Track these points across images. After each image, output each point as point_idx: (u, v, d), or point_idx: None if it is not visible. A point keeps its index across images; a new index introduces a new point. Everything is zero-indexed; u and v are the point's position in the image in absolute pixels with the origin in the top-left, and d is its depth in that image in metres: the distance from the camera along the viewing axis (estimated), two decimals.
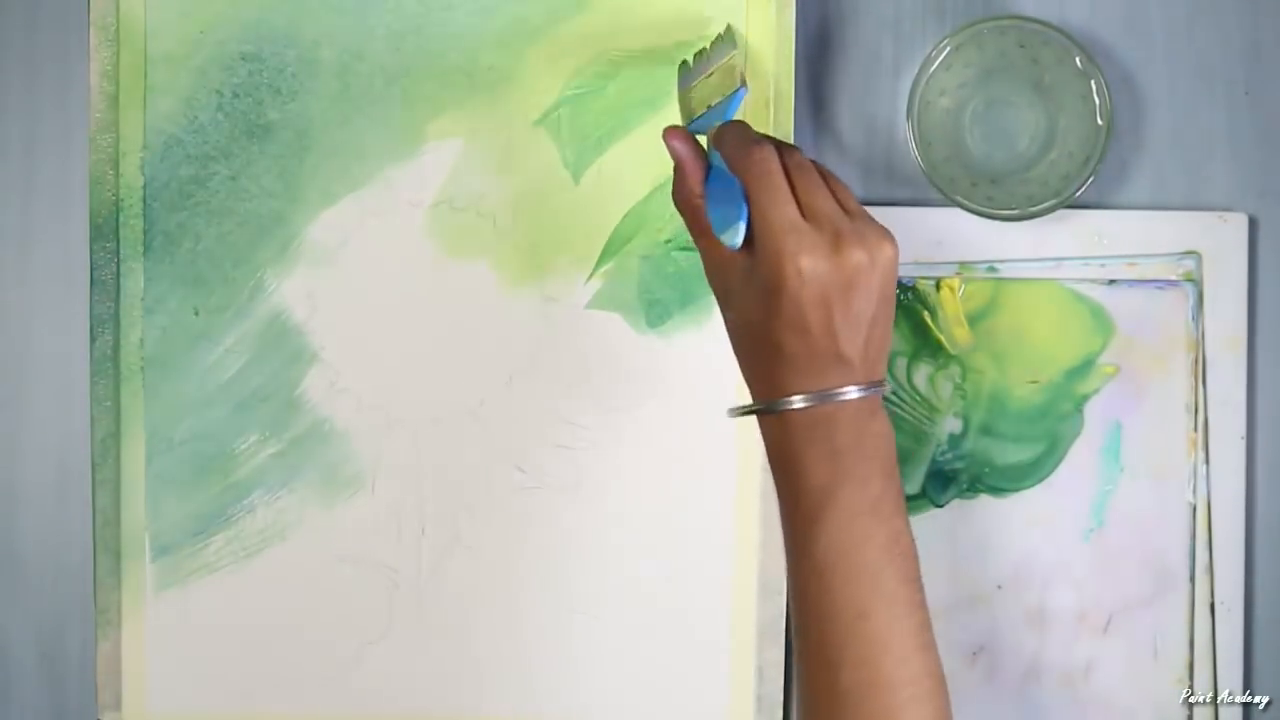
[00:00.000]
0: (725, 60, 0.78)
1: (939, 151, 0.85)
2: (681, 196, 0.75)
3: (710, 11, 0.85)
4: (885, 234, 0.71)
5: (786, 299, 0.70)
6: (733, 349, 0.74)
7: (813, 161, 0.73)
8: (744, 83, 0.76)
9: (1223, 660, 0.87)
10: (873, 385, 0.71)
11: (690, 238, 0.75)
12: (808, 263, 0.70)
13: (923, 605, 0.72)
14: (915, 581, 0.72)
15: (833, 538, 0.70)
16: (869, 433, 0.71)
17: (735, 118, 0.75)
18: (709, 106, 0.77)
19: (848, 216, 0.71)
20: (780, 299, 0.70)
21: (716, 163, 0.73)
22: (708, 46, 0.80)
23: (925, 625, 0.71)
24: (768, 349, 0.71)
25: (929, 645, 0.71)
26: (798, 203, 0.71)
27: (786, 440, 0.71)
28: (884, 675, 0.69)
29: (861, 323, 0.71)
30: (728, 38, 0.79)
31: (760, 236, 0.71)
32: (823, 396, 0.71)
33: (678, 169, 0.75)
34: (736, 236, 0.71)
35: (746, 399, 0.73)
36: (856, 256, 0.70)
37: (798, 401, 0.71)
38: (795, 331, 0.70)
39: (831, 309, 0.70)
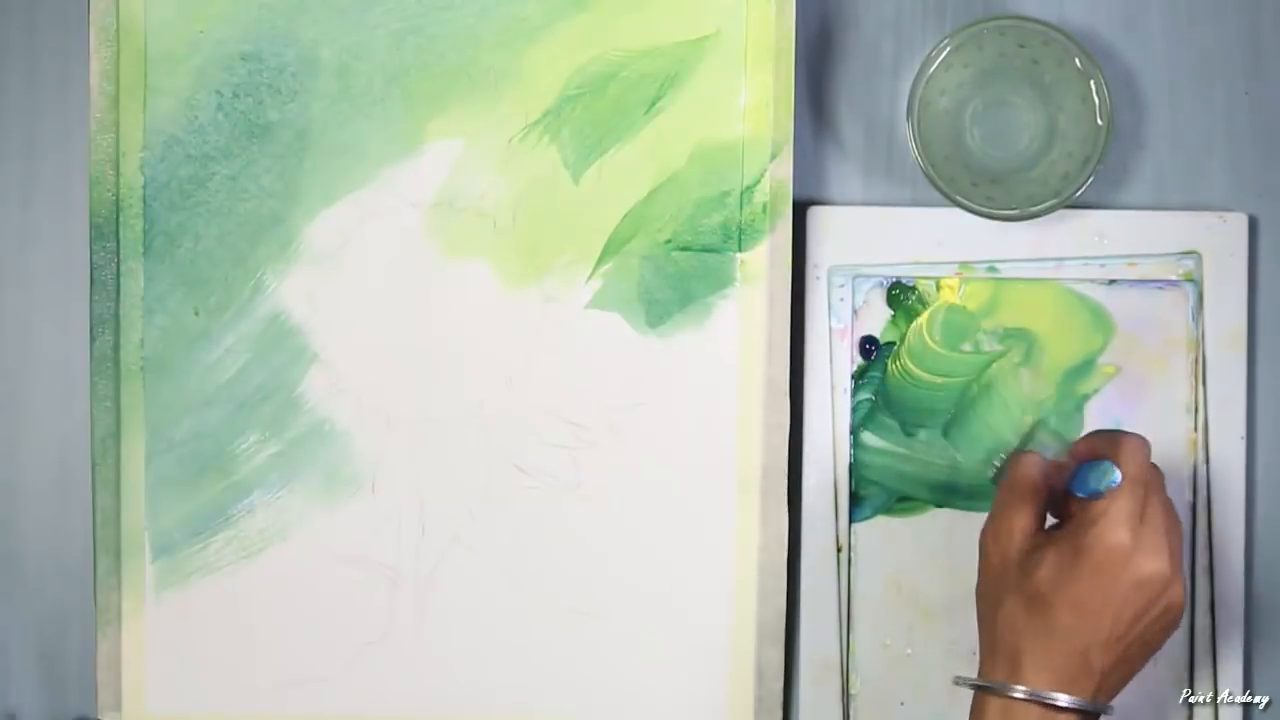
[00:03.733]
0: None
1: (939, 151, 0.85)
2: (1027, 467, 0.77)
3: (710, 11, 0.85)
4: (1178, 586, 0.74)
5: (1085, 567, 0.72)
6: (981, 618, 0.77)
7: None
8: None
9: (1223, 660, 0.87)
10: (1089, 701, 0.73)
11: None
12: (1123, 545, 0.73)
13: None
14: None
15: None
16: None
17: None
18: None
19: (1168, 547, 0.75)
20: (1081, 562, 0.72)
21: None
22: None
23: None
24: (1034, 613, 0.73)
25: None
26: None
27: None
28: None
29: (1133, 643, 0.74)
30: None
31: (1115, 515, 0.73)
32: (1046, 697, 0.73)
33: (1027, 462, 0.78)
34: (1115, 474, 0.74)
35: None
36: (1157, 572, 0.73)
37: (1021, 690, 0.73)
38: (1073, 607, 0.72)
39: (1123, 616, 0.73)
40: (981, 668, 0.76)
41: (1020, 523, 0.76)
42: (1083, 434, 0.79)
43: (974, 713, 0.75)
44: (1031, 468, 0.77)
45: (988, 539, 0.77)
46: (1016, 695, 0.73)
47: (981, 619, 0.77)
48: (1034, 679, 0.73)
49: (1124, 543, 0.73)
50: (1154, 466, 0.76)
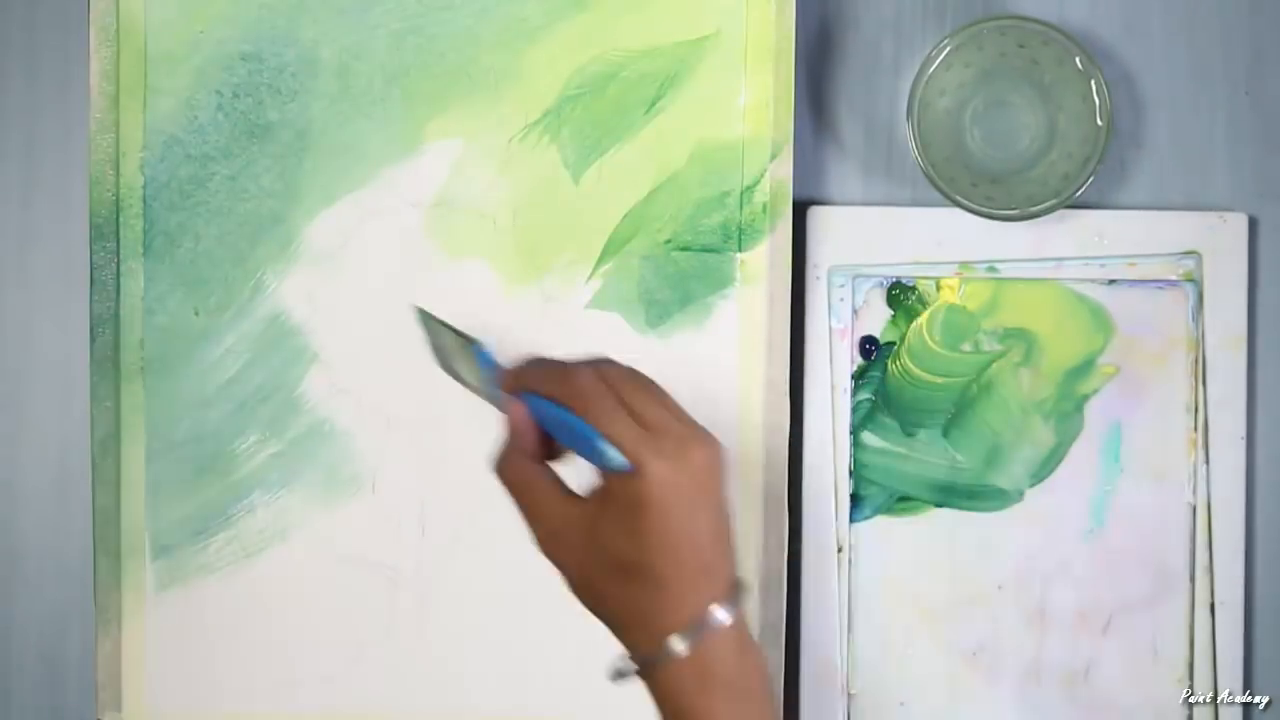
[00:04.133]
0: (444, 341, 0.75)
1: (939, 151, 0.85)
2: (514, 467, 0.71)
3: (710, 11, 0.85)
4: (710, 434, 0.69)
5: (653, 513, 0.67)
6: (595, 610, 0.71)
7: (629, 367, 0.71)
8: (471, 338, 0.73)
9: (1223, 660, 0.87)
10: (736, 588, 0.69)
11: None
12: (664, 470, 0.67)
13: None
14: None
15: None
16: (745, 663, 0.69)
17: (498, 360, 0.72)
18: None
19: (678, 420, 0.69)
20: (646, 516, 0.67)
21: (536, 409, 0.70)
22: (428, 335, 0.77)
23: None
24: (639, 584, 0.69)
25: None
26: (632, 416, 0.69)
27: (668, 682, 0.69)
28: None
29: (723, 526, 0.69)
30: (421, 319, 0.76)
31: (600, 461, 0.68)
32: (700, 626, 0.68)
33: (509, 441, 0.71)
34: (617, 459, 0.67)
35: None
36: (702, 451, 0.68)
37: (677, 643, 0.68)
38: (666, 550, 0.68)
39: (695, 514, 0.68)
40: (631, 648, 0.70)
41: (553, 519, 0.70)
42: (525, 361, 0.72)
43: (661, 698, 0.70)
44: (515, 473, 0.71)
45: (547, 551, 0.71)
46: (676, 648, 0.68)
47: (604, 619, 0.71)
48: (681, 616, 0.68)
49: (664, 476, 0.67)
50: (605, 370, 0.70)
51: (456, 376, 0.74)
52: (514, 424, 0.71)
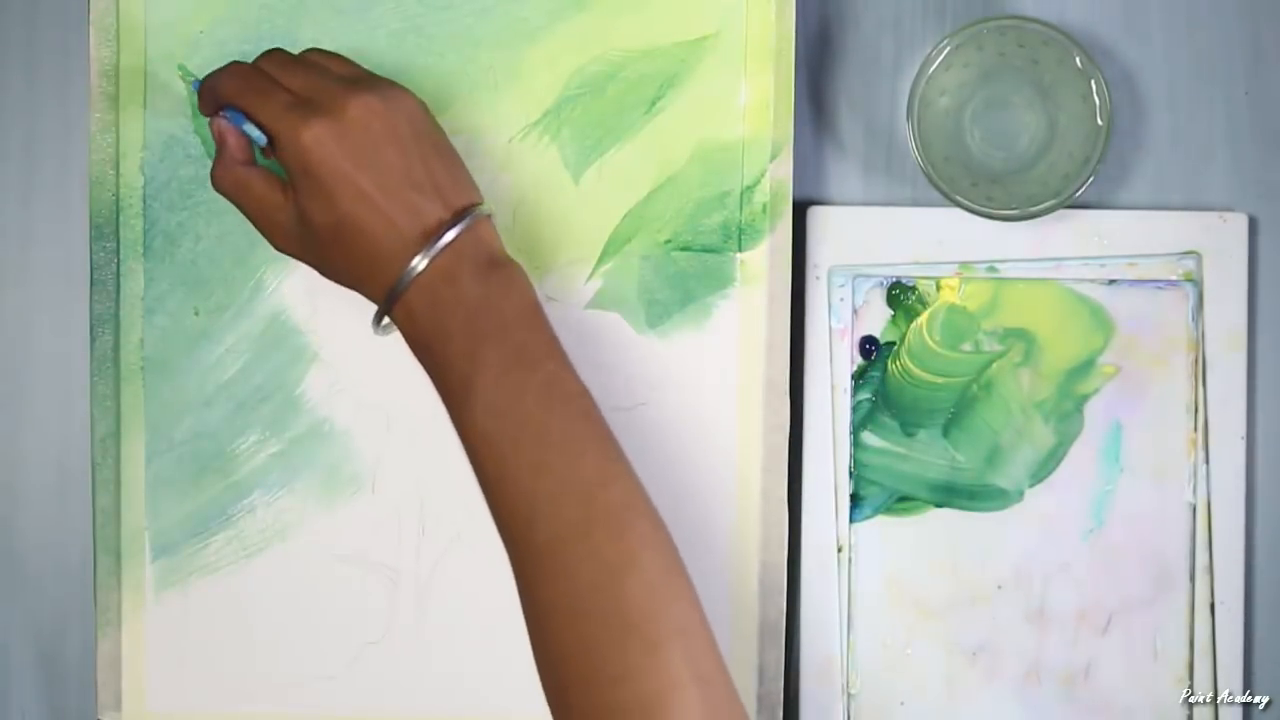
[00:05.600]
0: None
1: (939, 151, 0.85)
2: (226, 176, 0.76)
3: (710, 11, 0.85)
4: (392, 83, 0.75)
5: (322, 171, 0.71)
6: (344, 283, 0.75)
7: (311, 51, 0.78)
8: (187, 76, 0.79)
9: (1223, 660, 0.87)
10: (464, 212, 0.72)
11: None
12: (314, 130, 0.71)
13: (602, 437, 0.70)
14: (588, 417, 0.70)
15: (488, 401, 0.69)
16: (495, 282, 0.71)
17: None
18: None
19: (335, 80, 0.74)
20: (317, 177, 0.71)
21: (232, 116, 0.76)
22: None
23: (609, 456, 0.69)
24: (350, 240, 0.72)
25: (618, 474, 0.69)
26: (290, 93, 0.74)
27: (417, 322, 0.71)
28: (574, 519, 0.68)
29: (418, 160, 0.72)
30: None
31: (274, 139, 0.73)
32: (428, 252, 0.71)
33: (217, 153, 0.77)
34: (254, 131, 0.74)
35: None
36: (361, 100, 0.72)
37: (418, 263, 0.71)
38: (358, 200, 0.71)
39: (370, 160, 0.71)
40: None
41: (271, 215, 0.75)
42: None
43: (407, 335, 0.72)
44: (220, 180, 0.77)
45: (283, 249, 0.76)
46: (416, 269, 0.71)
47: (351, 285, 0.75)
48: (401, 250, 0.72)
49: (316, 135, 0.71)
50: (272, 56, 0.77)
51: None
52: (216, 136, 0.77)
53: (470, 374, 0.70)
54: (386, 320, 0.74)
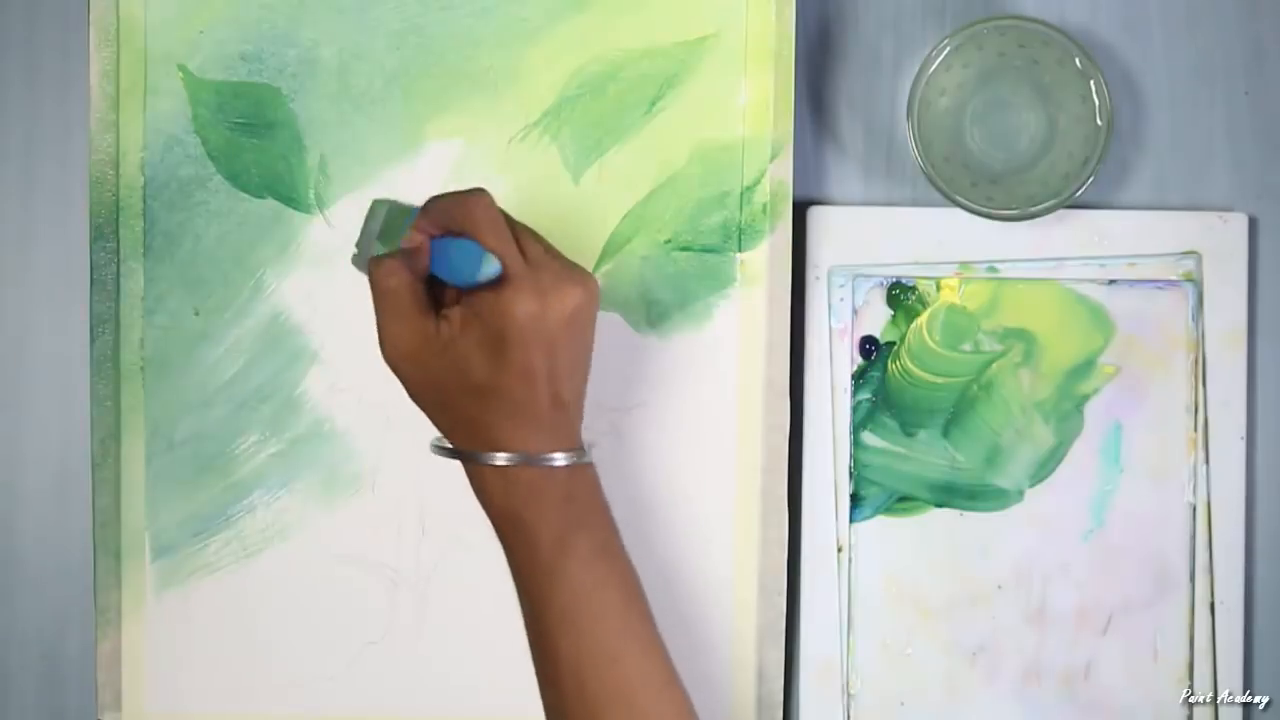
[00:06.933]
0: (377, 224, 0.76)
1: (939, 151, 0.85)
2: (389, 271, 0.72)
3: (710, 12, 0.85)
4: (587, 274, 0.73)
5: (514, 340, 0.70)
6: (431, 415, 0.74)
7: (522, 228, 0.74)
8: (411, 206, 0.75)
9: (1223, 660, 0.87)
10: (578, 450, 0.73)
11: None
12: (533, 303, 0.70)
13: (661, 642, 0.74)
14: (651, 619, 0.74)
15: (575, 584, 0.71)
16: (587, 477, 0.73)
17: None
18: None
19: (557, 259, 0.73)
20: (507, 342, 0.70)
21: (435, 243, 0.73)
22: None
23: (669, 660, 0.73)
24: (489, 401, 0.71)
25: (676, 680, 0.73)
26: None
27: (513, 493, 0.72)
28: (645, 712, 0.71)
29: (580, 363, 0.73)
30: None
31: (481, 297, 0.71)
32: (532, 459, 0.72)
33: (399, 253, 0.73)
34: (493, 265, 0.71)
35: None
36: (575, 296, 0.71)
37: (501, 459, 0.72)
38: (522, 378, 0.71)
39: (556, 351, 0.71)
40: (454, 442, 0.74)
41: (411, 330, 0.72)
42: (424, 203, 0.74)
43: (492, 499, 0.73)
44: (389, 275, 0.72)
45: (392, 359, 0.73)
46: (503, 461, 0.71)
47: (441, 426, 0.74)
48: (519, 445, 0.72)
49: (533, 309, 0.70)
50: (496, 212, 0.73)
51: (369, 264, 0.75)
52: (411, 243, 0.73)
53: (558, 557, 0.72)
54: (444, 449, 0.74)
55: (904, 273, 0.87)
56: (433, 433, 0.75)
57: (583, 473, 0.73)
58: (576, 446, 0.73)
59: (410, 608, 0.86)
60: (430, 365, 0.72)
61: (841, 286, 0.87)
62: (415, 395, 0.74)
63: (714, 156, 0.85)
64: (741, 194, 0.85)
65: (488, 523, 0.73)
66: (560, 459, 0.72)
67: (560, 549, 0.72)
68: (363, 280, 0.86)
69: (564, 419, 0.73)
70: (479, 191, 0.73)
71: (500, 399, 0.71)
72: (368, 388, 0.86)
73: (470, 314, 0.72)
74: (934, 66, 0.84)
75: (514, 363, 0.70)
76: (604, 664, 0.71)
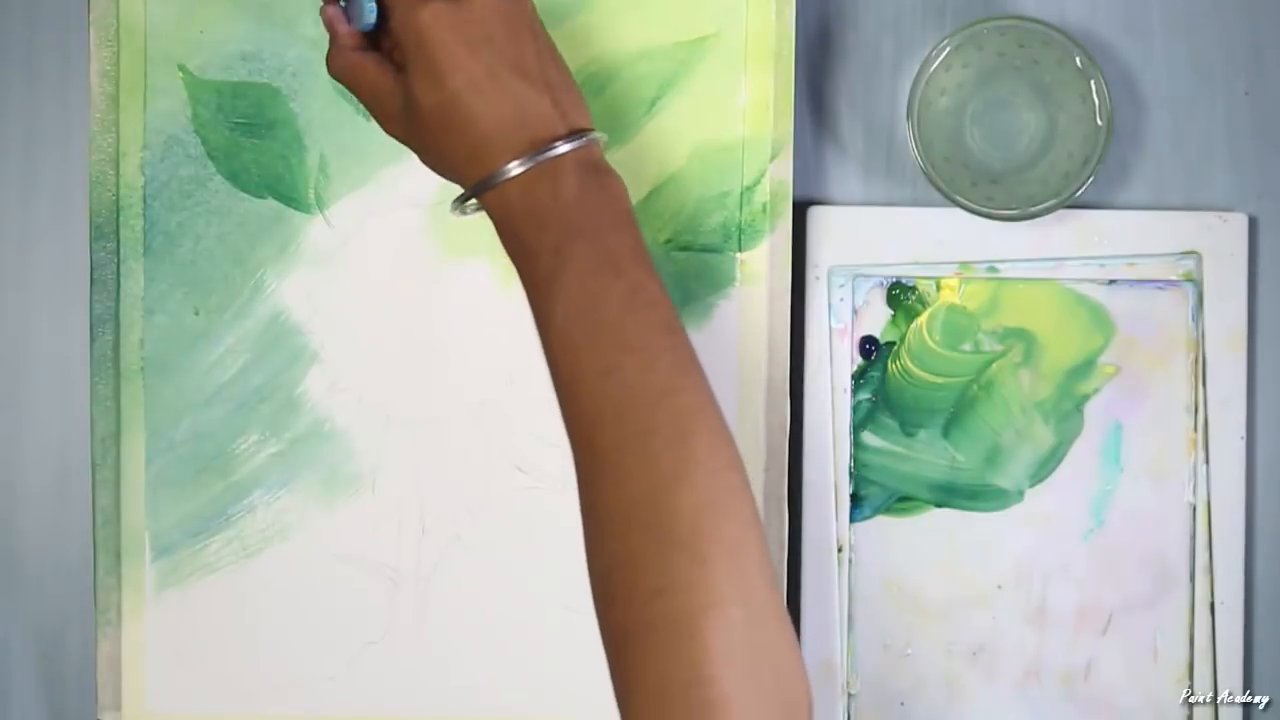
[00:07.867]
0: None
1: (939, 151, 0.85)
2: (339, 61, 0.74)
3: (710, 11, 0.85)
4: None
5: (436, 51, 0.69)
6: (431, 163, 0.73)
7: None
8: None
9: (1223, 660, 0.87)
10: (579, 133, 0.70)
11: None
12: (438, 5, 0.69)
13: (679, 348, 0.68)
14: (668, 327, 0.68)
15: (570, 298, 0.68)
16: (593, 185, 0.69)
17: None
18: None
19: None
20: (431, 56, 0.69)
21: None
22: None
23: (683, 367, 0.68)
24: (458, 125, 0.70)
25: (687, 387, 0.67)
26: None
27: (510, 209, 0.69)
28: (636, 426, 0.66)
29: (520, 34, 0.70)
30: None
31: (390, 14, 0.71)
32: (535, 158, 0.69)
33: (330, 39, 0.74)
34: (370, 15, 0.71)
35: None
36: None
37: (515, 168, 0.69)
38: (467, 84, 0.69)
39: (485, 48, 0.69)
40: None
41: (381, 96, 0.72)
42: None
43: (498, 222, 0.70)
44: (330, 63, 0.74)
45: (391, 133, 0.73)
46: (512, 174, 0.69)
47: (452, 176, 0.72)
48: (510, 145, 0.69)
49: (437, 13, 0.69)
50: None
51: None
52: (326, 22, 0.74)
53: (557, 269, 0.68)
54: (471, 201, 0.71)
55: (904, 273, 0.87)
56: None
57: (586, 179, 0.69)
58: (575, 130, 0.70)
59: (410, 608, 0.86)
60: (406, 116, 0.72)
61: (841, 286, 0.87)
62: (423, 157, 0.73)
63: (714, 156, 0.85)
64: (741, 194, 0.85)
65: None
66: (562, 147, 0.69)
67: (555, 261, 0.68)
68: (363, 280, 0.86)
69: (539, 100, 0.70)
70: None
71: (459, 113, 0.69)
72: (368, 388, 0.86)
73: (398, 48, 0.71)
74: (934, 66, 0.84)
75: (445, 72, 0.69)
76: (595, 378, 0.67)
